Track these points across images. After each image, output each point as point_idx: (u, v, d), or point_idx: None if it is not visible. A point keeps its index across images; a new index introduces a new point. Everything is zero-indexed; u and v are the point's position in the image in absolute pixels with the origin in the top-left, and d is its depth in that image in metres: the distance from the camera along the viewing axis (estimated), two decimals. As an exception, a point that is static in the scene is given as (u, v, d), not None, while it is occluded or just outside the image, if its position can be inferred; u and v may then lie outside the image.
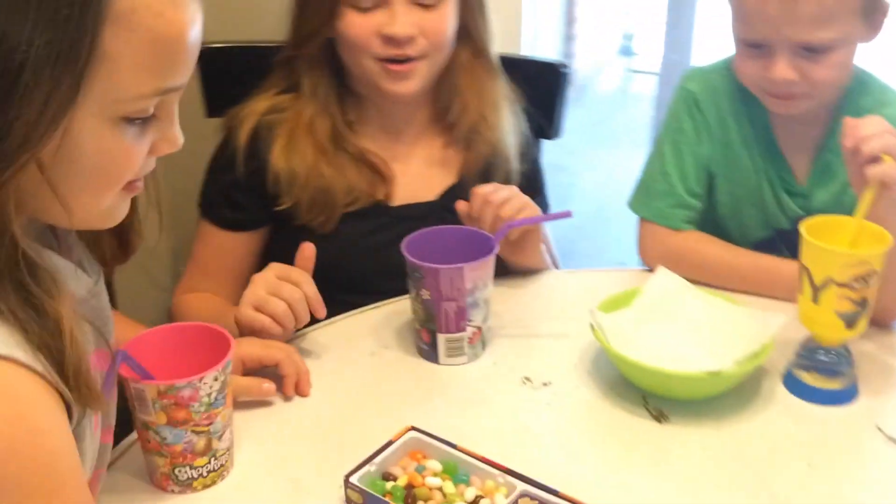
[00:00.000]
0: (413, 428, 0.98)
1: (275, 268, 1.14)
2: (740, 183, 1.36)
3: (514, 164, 1.39)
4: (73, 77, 0.66)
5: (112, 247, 0.89)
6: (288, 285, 1.11)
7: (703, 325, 1.14)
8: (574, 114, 1.67)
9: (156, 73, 0.71)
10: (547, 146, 1.58)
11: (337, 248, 1.30)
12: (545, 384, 1.12)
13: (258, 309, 1.11)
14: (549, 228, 1.49)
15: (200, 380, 0.90)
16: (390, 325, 1.24)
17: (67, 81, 0.66)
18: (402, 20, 1.24)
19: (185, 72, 0.74)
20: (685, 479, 0.97)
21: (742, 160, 1.34)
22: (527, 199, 1.24)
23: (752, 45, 1.21)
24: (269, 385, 1.07)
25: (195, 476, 0.94)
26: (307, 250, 1.16)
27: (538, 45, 3.20)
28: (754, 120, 1.32)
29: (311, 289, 1.12)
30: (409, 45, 1.26)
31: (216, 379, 0.91)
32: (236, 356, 1.07)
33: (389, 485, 0.92)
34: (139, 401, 0.90)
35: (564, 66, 1.57)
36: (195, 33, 0.73)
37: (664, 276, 1.21)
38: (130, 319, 1.10)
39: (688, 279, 1.31)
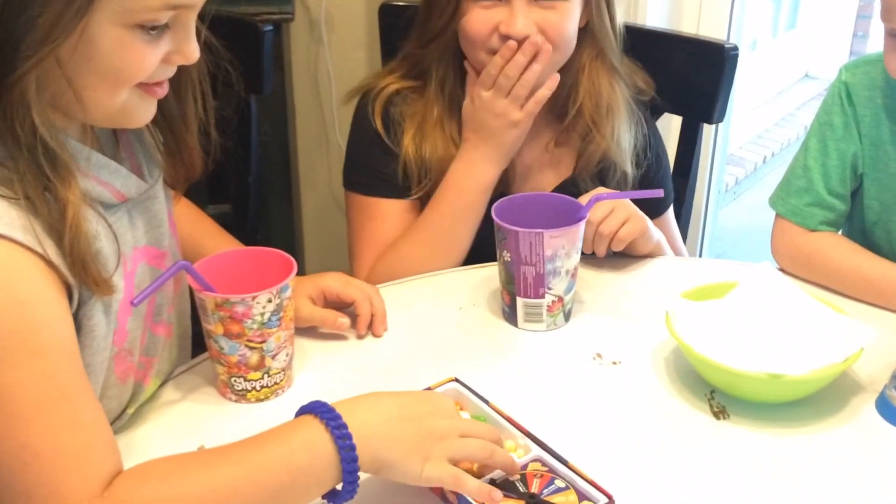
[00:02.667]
0: (455, 379, 1.00)
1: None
2: (890, 187, 1.25)
3: (629, 168, 1.36)
4: None
5: (174, 166, 0.99)
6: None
7: (792, 328, 1.07)
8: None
9: None
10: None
11: None
12: (615, 363, 1.10)
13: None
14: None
15: (253, 298, 0.97)
16: (488, 285, 1.26)
17: None
18: (521, 19, 1.23)
19: None
20: (728, 479, 0.93)
21: (893, 163, 1.23)
22: (629, 213, 1.22)
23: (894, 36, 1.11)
24: (343, 320, 1.13)
25: (248, 388, 1.02)
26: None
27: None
28: (910, 119, 1.21)
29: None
30: (532, 44, 1.23)
31: (269, 301, 0.98)
32: (318, 288, 1.14)
33: (414, 426, 0.95)
34: (202, 310, 0.99)
35: (733, 47, 1.50)
36: None
37: (766, 273, 1.14)
38: (236, 241, 1.20)
39: (816, 284, 1.25)
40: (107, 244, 0.88)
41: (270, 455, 0.79)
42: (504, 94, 1.26)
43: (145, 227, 0.98)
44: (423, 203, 1.34)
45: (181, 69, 0.91)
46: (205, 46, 0.95)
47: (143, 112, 0.89)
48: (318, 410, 0.81)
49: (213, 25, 1.50)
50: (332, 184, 2.28)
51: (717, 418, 1.01)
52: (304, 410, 0.83)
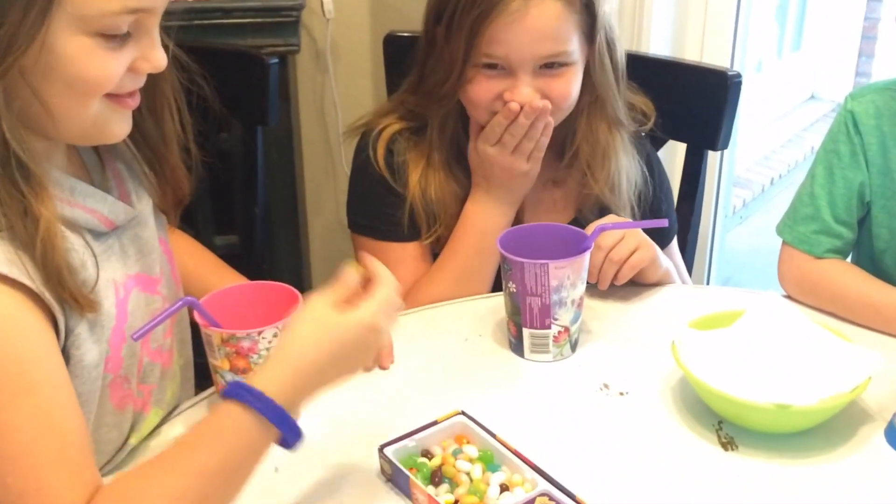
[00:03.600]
0: (462, 412, 1.00)
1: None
2: (898, 216, 1.25)
3: (626, 213, 1.35)
4: None
5: (162, 187, 1.01)
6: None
7: (801, 358, 1.06)
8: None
9: None
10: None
11: None
12: (622, 394, 1.10)
13: None
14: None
15: (259, 333, 0.97)
16: (493, 315, 1.25)
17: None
18: (525, 89, 1.23)
19: None
20: (734, 511, 0.92)
21: (901, 191, 1.23)
22: (640, 241, 1.22)
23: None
24: None
25: (255, 423, 1.02)
26: None
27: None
28: (919, 148, 1.21)
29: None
30: (534, 111, 1.24)
31: (275, 335, 0.98)
32: None
33: (420, 461, 0.95)
34: (208, 345, 0.99)
35: (736, 74, 1.50)
36: None
37: (773, 302, 1.14)
38: (238, 275, 1.20)
39: (823, 311, 1.24)
40: (93, 272, 0.88)
41: (215, 455, 0.81)
42: (509, 150, 1.26)
43: (137, 254, 0.98)
44: (433, 245, 1.34)
45: (154, 86, 0.92)
46: (177, 63, 0.96)
47: (118, 125, 0.89)
48: (236, 395, 0.82)
49: (220, 58, 1.53)
50: (339, 212, 2.29)
51: (726, 449, 1.01)
52: (225, 395, 0.83)
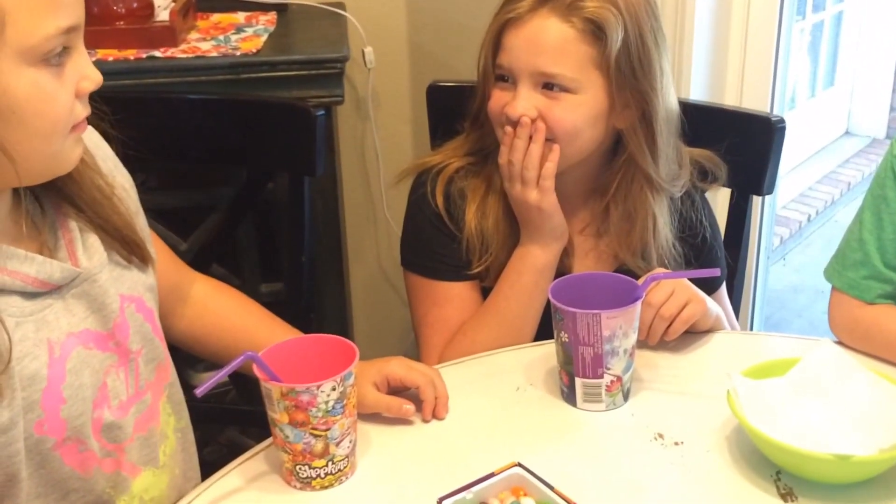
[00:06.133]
0: (518, 464, 1.00)
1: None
2: (948, 259, 1.24)
3: (669, 251, 1.36)
4: None
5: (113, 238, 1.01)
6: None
7: (858, 407, 1.06)
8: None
9: (52, 14, 0.83)
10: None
11: None
12: (676, 444, 1.10)
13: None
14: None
15: (318, 387, 0.98)
16: (544, 364, 1.26)
17: None
18: (521, 102, 1.25)
19: (79, 9, 0.86)
20: (796, 564, 0.92)
21: (950, 234, 1.23)
22: (690, 296, 1.23)
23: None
24: (408, 406, 1.13)
25: (313, 476, 1.03)
26: None
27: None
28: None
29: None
30: (525, 126, 1.26)
31: (334, 389, 0.99)
32: (382, 374, 1.15)
33: (479, 514, 0.95)
34: (267, 398, 1.01)
35: (780, 119, 1.51)
36: None
37: (829, 350, 1.14)
38: (287, 326, 1.22)
39: (876, 357, 1.23)
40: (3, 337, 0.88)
41: None
42: (517, 180, 1.28)
43: (85, 312, 0.97)
44: (481, 276, 1.35)
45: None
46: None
47: (74, 152, 0.92)
48: None
49: (268, 110, 1.56)
50: (380, 259, 2.31)
51: (785, 500, 1.00)
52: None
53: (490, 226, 1.34)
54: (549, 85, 1.26)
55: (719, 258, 1.44)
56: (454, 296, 1.36)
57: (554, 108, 1.26)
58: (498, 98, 1.30)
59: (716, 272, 1.17)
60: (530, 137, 1.26)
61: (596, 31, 1.25)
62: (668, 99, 1.32)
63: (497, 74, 1.30)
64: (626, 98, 1.29)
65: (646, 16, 1.28)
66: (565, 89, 1.26)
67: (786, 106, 3.90)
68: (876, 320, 1.25)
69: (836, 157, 4.42)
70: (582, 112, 1.27)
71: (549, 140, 1.27)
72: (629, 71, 1.27)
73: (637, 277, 1.21)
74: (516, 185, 1.28)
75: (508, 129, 1.27)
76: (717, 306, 1.31)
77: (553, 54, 1.25)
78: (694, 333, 1.29)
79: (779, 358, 1.14)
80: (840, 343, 1.28)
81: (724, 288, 1.46)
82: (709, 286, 1.32)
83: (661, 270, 1.23)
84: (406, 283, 1.42)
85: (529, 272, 1.30)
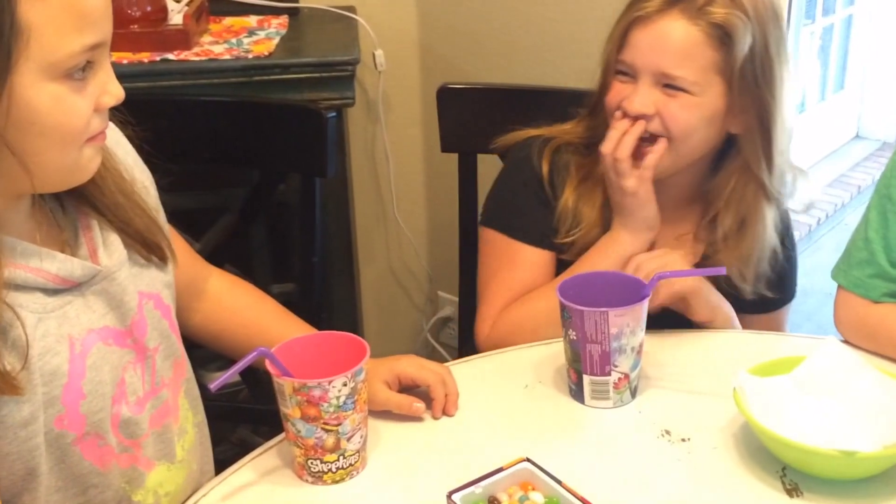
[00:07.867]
0: (527, 459, 1.02)
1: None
2: (954, 258, 1.25)
3: (756, 274, 1.38)
4: (1, 50, 0.80)
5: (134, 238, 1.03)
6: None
7: (864, 404, 1.07)
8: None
9: (78, 31, 0.83)
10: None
11: None
12: (683, 440, 1.11)
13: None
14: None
15: (329, 382, 1.00)
16: (552, 362, 1.27)
17: None
18: (640, 98, 1.27)
19: (106, 26, 0.86)
20: (801, 559, 0.93)
21: (956, 234, 1.24)
22: (674, 256, 1.26)
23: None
24: (419, 405, 1.15)
25: (325, 470, 1.04)
26: None
27: None
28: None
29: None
30: (640, 125, 1.28)
31: (345, 384, 1.00)
32: (393, 373, 1.16)
33: (488, 508, 0.97)
34: (280, 394, 1.02)
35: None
36: None
37: (835, 348, 1.15)
38: (301, 322, 1.23)
39: (882, 355, 1.24)
40: (17, 336, 0.89)
41: None
42: (611, 152, 1.29)
43: (105, 308, 0.99)
44: (561, 248, 1.36)
45: None
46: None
47: (93, 162, 0.92)
48: None
49: (280, 113, 1.58)
50: (390, 259, 2.32)
51: (791, 496, 1.01)
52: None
53: (586, 207, 1.35)
54: (669, 85, 1.28)
55: (793, 281, 1.47)
56: (529, 261, 1.37)
57: (671, 104, 1.28)
58: (618, 91, 1.31)
59: (721, 270, 1.19)
60: (640, 138, 1.29)
61: (723, 37, 1.26)
62: (787, 109, 1.34)
63: (619, 69, 1.32)
64: (744, 104, 1.30)
65: (773, 26, 1.30)
66: (685, 90, 1.28)
67: (796, 110, 3.92)
68: (881, 319, 1.26)
69: (846, 160, 4.42)
70: (698, 112, 1.29)
71: (661, 136, 1.29)
72: (751, 78, 1.28)
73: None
74: (610, 160, 1.30)
75: (618, 114, 1.29)
76: (726, 303, 1.33)
77: (677, 56, 1.26)
78: (700, 329, 1.31)
79: (785, 356, 1.15)
80: (846, 342, 1.29)
81: (786, 311, 1.50)
82: (771, 305, 1.38)
83: (669, 268, 1.24)
84: (481, 240, 1.43)
85: (613, 257, 1.31)
